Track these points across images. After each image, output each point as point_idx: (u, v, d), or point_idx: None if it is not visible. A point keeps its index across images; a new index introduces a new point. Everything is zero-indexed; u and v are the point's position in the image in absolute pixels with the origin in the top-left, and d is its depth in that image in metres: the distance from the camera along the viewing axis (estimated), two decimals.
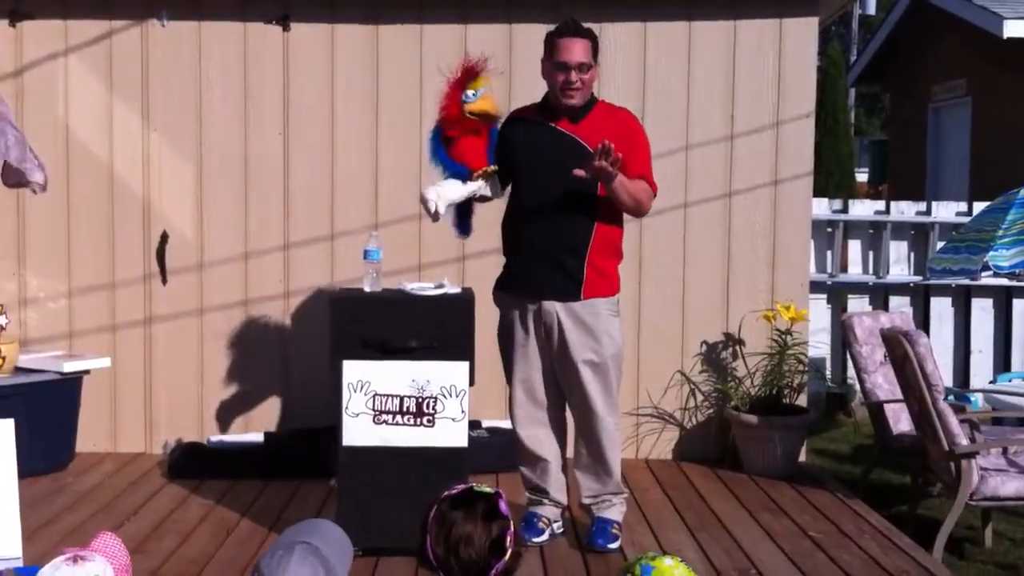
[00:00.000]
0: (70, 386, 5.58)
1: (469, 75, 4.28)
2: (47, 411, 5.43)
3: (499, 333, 4.52)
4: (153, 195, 5.90)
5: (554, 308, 4.33)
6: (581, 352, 4.33)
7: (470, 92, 4.26)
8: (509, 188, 4.45)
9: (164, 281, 5.92)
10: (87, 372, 5.64)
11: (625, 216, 4.45)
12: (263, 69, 5.88)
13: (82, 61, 5.86)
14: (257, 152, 5.90)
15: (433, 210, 4.25)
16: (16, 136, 4.58)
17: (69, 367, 5.52)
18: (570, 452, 4.59)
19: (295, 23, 5.87)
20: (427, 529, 2.61)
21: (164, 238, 5.89)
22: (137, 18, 5.84)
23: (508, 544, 2.58)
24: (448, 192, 4.28)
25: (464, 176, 4.29)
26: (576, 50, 4.23)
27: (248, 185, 5.92)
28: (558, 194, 4.24)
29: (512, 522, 2.63)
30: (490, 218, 4.61)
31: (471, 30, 5.84)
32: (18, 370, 5.46)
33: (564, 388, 4.46)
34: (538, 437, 4.51)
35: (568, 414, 4.58)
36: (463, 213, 4.50)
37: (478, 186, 4.33)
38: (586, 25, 4.36)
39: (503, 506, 2.62)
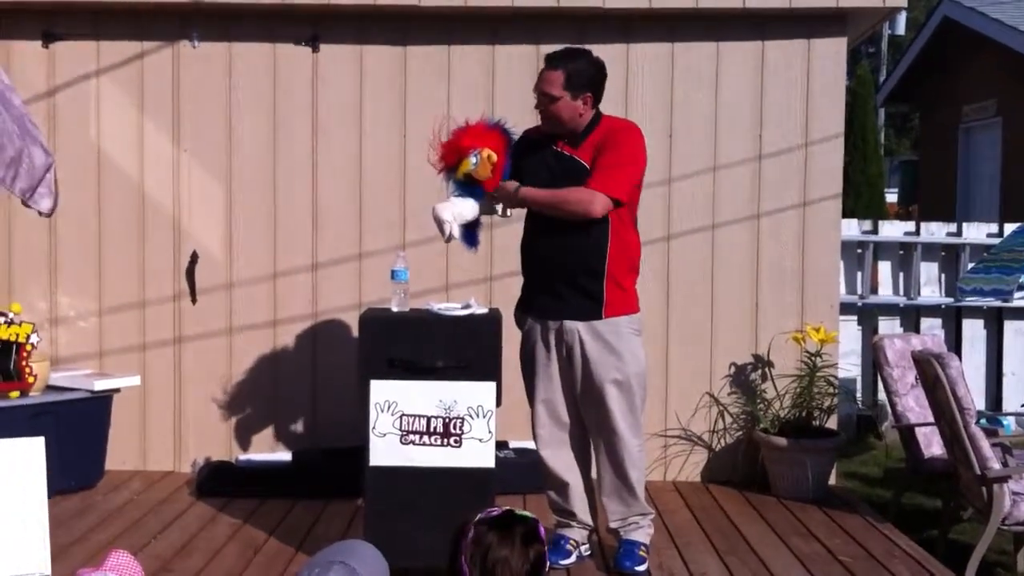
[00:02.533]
0: (100, 404, 5.61)
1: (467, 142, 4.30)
2: (77, 429, 5.47)
3: (521, 353, 4.52)
4: (183, 215, 5.95)
5: (576, 327, 4.32)
6: (606, 372, 4.32)
7: (472, 159, 4.28)
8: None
9: (194, 300, 5.95)
10: (117, 390, 5.68)
11: (643, 233, 4.48)
12: (292, 90, 5.92)
13: (114, 82, 5.92)
14: (286, 172, 5.94)
15: (448, 233, 4.30)
16: (28, 164, 4.49)
17: (100, 385, 5.55)
18: (594, 474, 4.56)
19: (324, 44, 5.90)
20: (461, 548, 2.57)
21: (194, 258, 5.93)
22: (169, 39, 5.89)
23: (545, 571, 2.55)
24: (464, 212, 4.32)
25: (479, 195, 4.33)
26: (542, 81, 4.28)
27: (277, 205, 5.95)
28: None
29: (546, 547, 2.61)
30: (518, 238, 4.60)
31: (498, 51, 5.86)
32: (49, 388, 5.49)
33: (583, 411, 4.43)
34: (562, 458, 4.49)
35: None
36: (470, 225, 4.49)
37: (491, 205, 4.35)
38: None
39: (542, 531, 2.59)
